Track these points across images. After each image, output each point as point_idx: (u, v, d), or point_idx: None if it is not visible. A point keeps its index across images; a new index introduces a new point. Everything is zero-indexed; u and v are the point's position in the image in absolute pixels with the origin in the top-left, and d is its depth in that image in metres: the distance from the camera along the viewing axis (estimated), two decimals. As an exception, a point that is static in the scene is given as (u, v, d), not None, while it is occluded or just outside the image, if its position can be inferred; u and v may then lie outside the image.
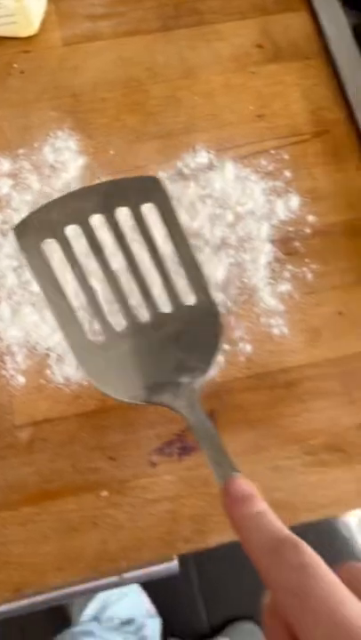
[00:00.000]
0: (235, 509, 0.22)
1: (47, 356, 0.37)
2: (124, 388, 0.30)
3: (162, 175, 0.42)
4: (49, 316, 0.37)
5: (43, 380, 0.37)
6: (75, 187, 0.41)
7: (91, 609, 0.78)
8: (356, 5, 0.47)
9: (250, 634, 1.01)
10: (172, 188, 0.41)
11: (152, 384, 0.30)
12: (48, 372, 0.37)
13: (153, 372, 0.30)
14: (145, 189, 0.33)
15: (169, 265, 0.33)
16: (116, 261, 0.32)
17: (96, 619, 0.76)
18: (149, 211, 0.33)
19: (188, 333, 0.32)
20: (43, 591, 0.35)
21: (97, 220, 0.32)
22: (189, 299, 0.32)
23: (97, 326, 0.32)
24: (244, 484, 0.23)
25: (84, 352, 0.31)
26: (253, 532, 0.20)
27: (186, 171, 0.42)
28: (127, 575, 0.38)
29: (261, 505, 0.22)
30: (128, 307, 0.32)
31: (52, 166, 0.41)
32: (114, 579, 0.39)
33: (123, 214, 0.32)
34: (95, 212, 0.32)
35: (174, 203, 0.35)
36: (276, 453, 0.37)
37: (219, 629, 1.02)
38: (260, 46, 0.47)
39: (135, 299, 0.32)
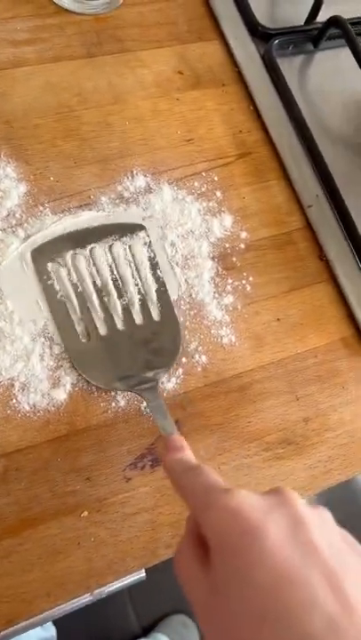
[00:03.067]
0: (168, 455, 0.31)
1: (11, 385, 0.37)
2: (103, 378, 0.38)
3: (104, 200, 0.43)
4: (9, 346, 0.38)
5: (9, 410, 0.37)
6: (19, 215, 0.41)
7: None
8: (262, 37, 0.52)
9: (182, 625, 1.05)
10: (116, 211, 0.43)
11: (125, 376, 0.38)
12: (13, 401, 0.37)
13: (126, 368, 0.39)
14: (129, 230, 0.42)
15: (141, 287, 0.41)
16: (103, 285, 0.41)
17: None
18: (129, 248, 0.42)
19: (154, 341, 0.40)
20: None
21: (89, 253, 0.41)
22: (156, 315, 0.41)
23: (86, 332, 0.39)
24: (177, 440, 0.31)
25: (75, 350, 0.39)
26: (177, 465, 0.29)
27: (126, 194, 0.44)
28: (98, 590, 0.40)
29: (185, 452, 0.30)
30: (111, 318, 0.40)
31: (-7, 194, 0.41)
32: (86, 596, 0.40)
33: (108, 250, 0.41)
34: (86, 246, 0.41)
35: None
36: (237, 453, 0.40)
37: (150, 628, 1.05)
38: (180, 73, 0.50)
39: (116, 313, 0.40)
